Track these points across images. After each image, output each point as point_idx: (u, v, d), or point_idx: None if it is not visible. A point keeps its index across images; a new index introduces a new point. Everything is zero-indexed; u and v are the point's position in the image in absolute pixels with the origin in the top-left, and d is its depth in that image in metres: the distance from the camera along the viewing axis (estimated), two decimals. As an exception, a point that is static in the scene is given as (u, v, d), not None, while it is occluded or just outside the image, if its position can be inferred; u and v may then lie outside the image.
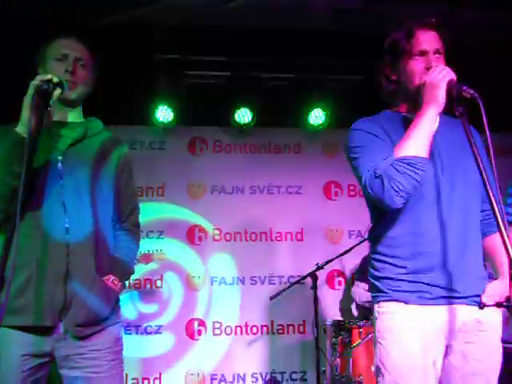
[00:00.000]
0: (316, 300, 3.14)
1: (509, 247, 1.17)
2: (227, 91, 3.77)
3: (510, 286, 1.16)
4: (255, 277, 3.95)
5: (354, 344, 2.87)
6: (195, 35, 3.45)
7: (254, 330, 3.88)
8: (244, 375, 3.81)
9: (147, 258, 3.29)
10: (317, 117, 3.79)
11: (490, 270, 1.60)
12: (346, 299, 3.77)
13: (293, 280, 3.63)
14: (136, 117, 3.84)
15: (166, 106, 3.74)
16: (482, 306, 1.44)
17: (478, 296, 1.48)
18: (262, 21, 3.31)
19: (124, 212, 1.77)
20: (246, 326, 3.88)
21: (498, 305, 1.32)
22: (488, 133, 1.29)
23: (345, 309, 3.83)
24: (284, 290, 3.30)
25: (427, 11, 1.64)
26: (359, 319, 3.41)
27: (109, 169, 1.70)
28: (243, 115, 3.84)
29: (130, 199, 1.80)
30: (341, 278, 3.96)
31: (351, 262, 3.76)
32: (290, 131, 4.12)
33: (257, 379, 3.82)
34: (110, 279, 1.64)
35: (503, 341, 1.50)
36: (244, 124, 3.88)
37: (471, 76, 1.53)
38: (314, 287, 3.19)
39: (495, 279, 1.53)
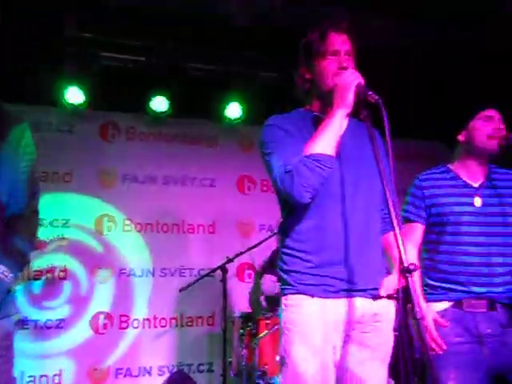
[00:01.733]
0: (225, 292, 3.18)
1: (400, 245, 1.27)
2: (144, 77, 3.65)
3: (399, 279, 1.26)
4: (165, 269, 3.90)
5: (261, 335, 2.95)
6: (113, 15, 3.28)
7: (163, 322, 3.84)
8: (150, 368, 3.75)
9: (45, 245, 3.09)
10: (234, 111, 3.81)
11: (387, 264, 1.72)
12: (255, 291, 3.86)
13: (203, 273, 3.63)
14: (43, 96, 3.58)
15: (76, 88, 3.53)
16: (374, 298, 1.55)
17: (376, 289, 1.58)
18: (185, 8, 3.24)
19: (22, 197, 1.64)
20: (155, 318, 3.83)
21: (389, 297, 1.43)
22: (388, 137, 1.38)
23: (254, 301, 3.92)
24: (194, 283, 3.29)
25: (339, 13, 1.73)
26: (267, 311, 3.50)
27: (7, 149, 1.56)
28: (159, 103, 3.76)
29: (30, 183, 1.66)
30: (251, 271, 4.04)
31: (261, 256, 3.85)
32: (206, 123, 4.11)
33: (163, 372, 3.78)
34: (0, 270, 1.51)
35: (394, 329, 1.63)
36: (160, 112, 3.79)
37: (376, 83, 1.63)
38: (224, 280, 3.22)
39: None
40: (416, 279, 1.98)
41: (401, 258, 1.28)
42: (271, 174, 1.60)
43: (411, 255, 2.01)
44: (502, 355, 1.87)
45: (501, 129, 1.95)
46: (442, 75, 3.46)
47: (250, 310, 3.43)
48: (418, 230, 2.05)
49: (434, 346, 1.85)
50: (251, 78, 3.76)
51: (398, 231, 1.30)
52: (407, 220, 2.07)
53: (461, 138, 2.05)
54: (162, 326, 3.83)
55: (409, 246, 2.01)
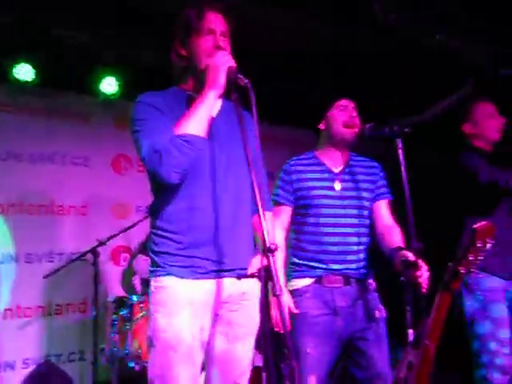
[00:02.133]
0: (96, 277, 3.03)
1: (264, 226, 1.31)
2: (6, 42, 3.24)
3: (262, 259, 1.30)
4: (31, 254, 3.57)
5: (134, 319, 2.87)
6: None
7: (28, 312, 3.53)
8: (14, 362, 3.44)
9: None
10: (110, 85, 3.59)
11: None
12: (127, 274, 3.74)
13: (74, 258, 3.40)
14: None
15: None
16: (239, 277, 1.59)
17: (245, 269, 1.63)
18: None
19: None
20: (18, 308, 3.50)
21: (251, 275, 1.47)
22: (255, 120, 1.40)
23: (126, 284, 3.79)
24: (60, 268, 3.07)
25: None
26: (143, 294, 3.42)
27: None
28: (24, 72, 3.38)
29: None
30: (127, 254, 3.89)
31: (138, 238, 3.73)
32: (79, 97, 3.80)
33: (28, 365, 3.49)
34: None
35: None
36: (25, 82, 3.41)
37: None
38: (95, 264, 3.05)
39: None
40: (280, 258, 2.09)
41: (264, 239, 1.31)
42: (140, 152, 1.54)
43: (279, 236, 2.11)
44: (353, 325, 2.06)
45: (354, 117, 2.12)
46: (314, 67, 3.63)
47: (125, 294, 3.32)
48: (286, 212, 2.17)
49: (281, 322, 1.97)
50: (129, 54, 3.56)
51: (261, 213, 1.33)
52: (276, 203, 2.16)
53: (321, 126, 2.20)
54: (28, 316, 3.53)
55: (277, 227, 2.11)
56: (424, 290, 1.75)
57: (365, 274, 2.11)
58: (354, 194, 2.14)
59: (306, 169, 2.18)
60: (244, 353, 1.65)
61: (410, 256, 1.82)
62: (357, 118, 2.13)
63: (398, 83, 3.71)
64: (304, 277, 2.10)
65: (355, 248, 2.10)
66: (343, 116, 2.12)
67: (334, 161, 2.18)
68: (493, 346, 2.23)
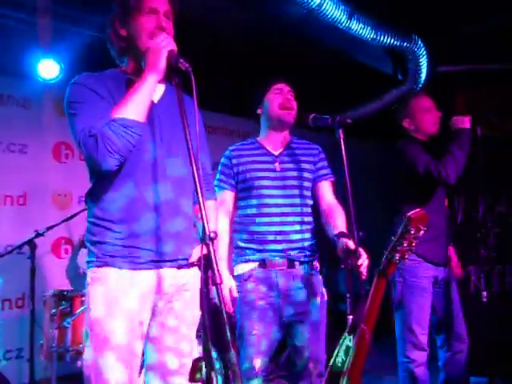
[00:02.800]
0: (33, 270, 2.88)
1: (203, 215, 1.29)
2: None
3: (201, 248, 1.28)
4: (-38, 247, 3.36)
5: (75, 313, 2.77)
6: None
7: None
8: None
9: None
10: (49, 69, 3.40)
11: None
12: (73, 267, 3.60)
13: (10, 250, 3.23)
14: None
15: None
16: (179, 267, 1.56)
17: (186, 259, 1.60)
18: None
19: None
20: None
21: (191, 264, 1.45)
22: (195, 105, 1.37)
23: (72, 278, 3.65)
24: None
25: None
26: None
27: None
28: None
29: None
30: (68, 246, 3.74)
31: (80, 229, 3.59)
32: (16, 81, 3.59)
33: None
34: None
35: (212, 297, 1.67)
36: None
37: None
38: (32, 256, 2.91)
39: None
40: (225, 244, 2.10)
41: (204, 228, 1.29)
42: (75, 137, 1.48)
43: (223, 222, 2.11)
44: (294, 307, 2.09)
45: (289, 99, 2.16)
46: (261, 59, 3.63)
47: (64, 288, 3.18)
48: (228, 197, 2.18)
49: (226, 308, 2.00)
50: (71, 35, 3.39)
51: (201, 201, 1.30)
52: (218, 188, 2.16)
53: (259, 111, 2.23)
54: (-41, 314, 3.32)
55: (221, 213, 2.10)
56: (363, 277, 1.81)
57: (309, 256, 2.14)
58: (294, 174, 2.17)
59: (247, 153, 2.20)
60: (185, 343, 1.62)
61: (351, 244, 1.86)
62: (292, 100, 2.17)
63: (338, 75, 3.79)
64: (248, 261, 2.11)
65: (298, 227, 2.12)
66: (279, 98, 2.15)
67: (274, 144, 2.22)
68: (414, 327, 2.36)
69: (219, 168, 2.22)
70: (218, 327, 1.27)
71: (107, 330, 1.47)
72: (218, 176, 2.20)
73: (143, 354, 1.60)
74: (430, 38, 3.40)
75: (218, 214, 2.07)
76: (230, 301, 2.03)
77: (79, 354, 2.72)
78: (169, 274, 1.56)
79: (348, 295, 1.84)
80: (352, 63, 3.66)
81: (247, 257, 2.12)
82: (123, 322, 1.48)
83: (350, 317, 1.81)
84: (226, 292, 2.02)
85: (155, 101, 1.60)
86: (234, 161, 2.18)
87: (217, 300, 1.28)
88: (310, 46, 3.47)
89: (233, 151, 2.21)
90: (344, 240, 1.92)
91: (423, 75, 3.65)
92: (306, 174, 2.18)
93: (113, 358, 1.47)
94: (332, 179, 2.25)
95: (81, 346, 2.74)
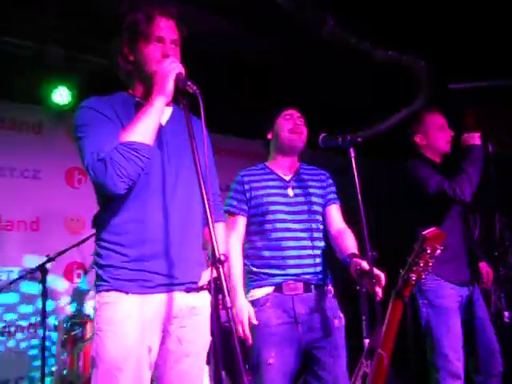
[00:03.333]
0: (45, 295, 2.87)
1: (213, 238, 1.27)
2: None
3: (211, 271, 1.26)
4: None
5: (86, 338, 2.74)
6: None
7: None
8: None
9: None
10: (61, 95, 3.47)
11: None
12: (83, 291, 3.58)
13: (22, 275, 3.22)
14: None
15: None
16: (188, 290, 1.53)
17: (195, 283, 1.57)
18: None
19: None
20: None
21: (200, 288, 1.42)
22: (204, 127, 1.37)
23: (82, 302, 3.63)
24: (7, 286, 2.90)
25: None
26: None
27: None
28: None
29: None
30: (81, 271, 3.74)
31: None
32: (30, 108, 3.66)
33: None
34: None
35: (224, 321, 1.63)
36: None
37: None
38: (43, 281, 2.90)
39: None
40: (240, 269, 2.05)
41: (213, 251, 1.27)
42: (83, 161, 1.46)
43: (236, 247, 2.09)
44: (312, 333, 2.03)
45: (299, 124, 2.17)
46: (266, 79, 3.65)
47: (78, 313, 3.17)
48: (240, 222, 2.15)
49: (241, 334, 1.94)
50: (82, 62, 3.46)
51: (211, 224, 1.28)
52: (230, 213, 2.14)
53: (269, 136, 2.23)
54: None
55: (233, 239, 2.09)
56: (378, 298, 1.75)
57: (323, 280, 2.09)
58: (304, 199, 2.16)
59: (259, 178, 2.19)
60: (195, 370, 1.58)
61: (365, 264, 1.81)
62: (302, 125, 2.19)
63: (348, 96, 3.79)
64: (263, 286, 2.06)
65: (310, 252, 2.09)
66: (289, 124, 2.17)
67: (284, 169, 2.22)
68: (447, 351, 2.26)
69: (231, 193, 2.19)
70: (229, 352, 1.23)
71: (115, 358, 1.44)
72: (229, 201, 2.18)
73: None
74: (440, 55, 3.39)
75: (232, 239, 2.08)
76: (247, 327, 1.96)
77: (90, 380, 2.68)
78: (178, 297, 1.53)
79: (363, 317, 1.78)
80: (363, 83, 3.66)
81: (262, 282, 2.07)
82: (132, 350, 1.45)
83: (367, 340, 1.76)
84: (244, 318, 1.96)
85: (163, 123, 1.61)
86: (247, 186, 2.16)
87: (228, 324, 1.24)
88: (317, 69, 3.49)
89: (244, 176, 2.19)
90: (357, 261, 1.88)
91: (433, 93, 3.64)
92: (316, 199, 2.18)
93: (121, 386, 1.43)
94: (339, 204, 2.25)
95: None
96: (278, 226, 2.09)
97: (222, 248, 1.68)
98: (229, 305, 1.23)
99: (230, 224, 2.11)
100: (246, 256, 2.15)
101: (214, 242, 1.27)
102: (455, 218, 2.39)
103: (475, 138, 2.38)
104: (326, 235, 2.18)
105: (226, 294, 1.24)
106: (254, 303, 2.04)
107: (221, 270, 1.25)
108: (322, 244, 2.14)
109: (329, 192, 2.24)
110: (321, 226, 2.18)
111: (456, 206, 2.40)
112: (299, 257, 2.06)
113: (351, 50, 2.85)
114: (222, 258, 1.26)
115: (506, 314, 2.45)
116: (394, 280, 1.78)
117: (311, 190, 2.19)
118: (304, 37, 3.12)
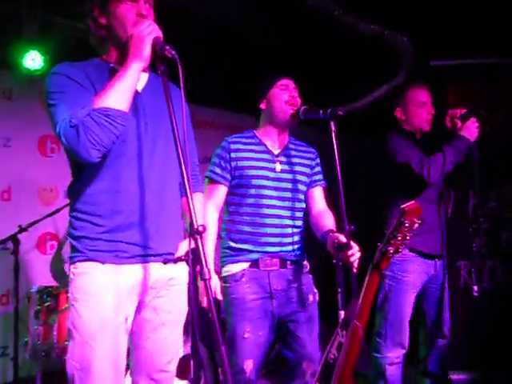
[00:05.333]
0: (17, 266, 2.81)
1: (191, 209, 1.24)
2: None
3: (189, 242, 1.23)
4: None
5: (60, 309, 2.71)
6: None
7: None
8: None
9: None
10: (33, 60, 3.31)
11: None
12: (55, 261, 3.52)
13: (-6, 245, 3.14)
14: None
15: None
16: (165, 261, 1.51)
17: (172, 253, 1.55)
18: None
19: None
20: None
21: (178, 259, 1.40)
22: (182, 92, 1.32)
23: (54, 272, 3.57)
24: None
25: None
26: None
27: None
28: None
29: None
30: (54, 242, 3.66)
31: (66, 225, 3.51)
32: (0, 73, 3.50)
33: None
34: None
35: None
36: None
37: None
38: (15, 252, 2.84)
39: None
40: (213, 238, 2.03)
41: (192, 222, 1.24)
42: (55, 128, 1.41)
43: (212, 216, 2.05)
44: (286, 307, 2.05)
45: (295, 97, 2.09)
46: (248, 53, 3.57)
47: (51, 284, 3.12)
48: (221, 191, 2.08)
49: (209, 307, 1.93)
50: (55, 25, 3.30)
51: (189, 194, 1.26)
52: (212, 180, 2.08)
53: (262, 106, 2.14)
54: None
55: (211, 207, 2.04)
56: (355, 270, 1.77)
57: (299, 256, 2.10)
58: (290, 176, 2.11)
59: (246, 148, 2.10)
60: (171, 340, 1.58)
61: (342, 238, 1.82)
62: (298, 97, 2.09)
63: (332, 71, 3.75)
64: (239, 261, 2.04)
65: (290, 230, 2.08)
66: (285, 95, 2.07)
67: (274, 142, 2.14)
68: (397, 323, 2.33)
69: (214, 159, 2.10)
70: (206, 324, 1.22)
71: (91, 328, 1.42)
72: (212, 167, 2.09)
73: (128, 354, 1.56)
74: (422, 32, 3.37)
75: (208, 207, 2.03)
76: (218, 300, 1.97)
77: (65, 351, 2.66)
78: (155, 268, 1.52)
79: (339, 290, 1.80)
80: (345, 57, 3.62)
81: (239, 257, 2.04)
82: (108, 320, 1.44)
83: (342, 312, 1.78)
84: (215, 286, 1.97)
85: (139, 90, 1.55)
86: (233, 154, 2.06)
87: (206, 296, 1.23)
88: (300, 40, 3.43)
89: (231, 143, 2.08)
90: (335, 235, 1.89)
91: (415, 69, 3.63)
92: (302, 178, 2.13)
93: (98, 356, 1.42)
94: (324, 185, 2.22)
95: (66, 343, 2.68)
96: (262, 201, 2.04)
97: (200, 219, 1.67)
98: (207, 276, 1.22)
99: (209, 191, 2.05)
100: (223, 229, 2.11)
101: (193, 213, 1.24)
102: (431, 191, 2.40)
103: (473, 133, 2.32)
104: (306, 214, 2.16)
105: (204, 265, 1.23)
106: (229, 278, 2.02)
107: (199, 240, 1.23)
108: (301, 223, 2.13)
109: (316, 172, 2.20)
110: (303, 205, 2.15)
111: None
112: (279, 235, 2.04)
113: (335, 21, 2.80)
114: (201, 228, 1.24)
115: (475, 288, 2.53)
116: (372, 255, 1.79)
117: (298, 168, 2.13)
118: (289, 11, 3.05)
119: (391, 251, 1.64)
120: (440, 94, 2.69)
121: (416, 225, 1.58)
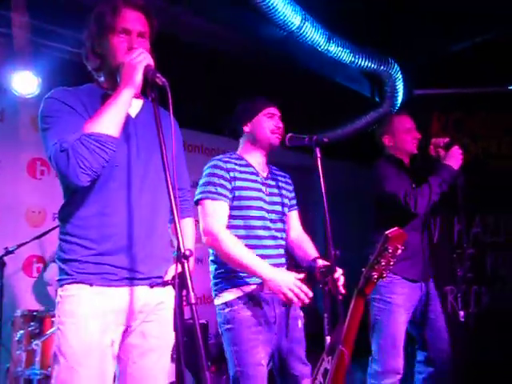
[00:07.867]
0: (1, 289, 2.77)
1: (179, 233, 1.25)
2: None
3: (176, 266, 1.24)
4: None
5: (46, 334, 2.66)
6: None
7: None
8: None
9: None
10: (25, 82, 3.34)
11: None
12: (38, 284, 3.47)
13: (-22, 268, 3.09)
14: None
15: None
16: (151, 285, 1.52)
17: (161, 277, 1.55)
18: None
19: None
20: None
21: (165, 283, 1.41)
22: (172, 120, 1.35)
23: (41, 297, 3.52)
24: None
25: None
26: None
27: None
28: None
29: None
30: (40, 265, 3.62)
31: (54, 247, 3.48)
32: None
33: None
34: None
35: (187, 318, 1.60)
36: None
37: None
38: (0, 275, 2.80)
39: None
40: (250, 252, 1.92)
41: (178, 245, 1.25)
42: (47, 152, 1.44)
43: (226, 232, 1.95)
44: (282, 332, 2.00)
45: (280, 127, 2.13)
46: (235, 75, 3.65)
47: (36, 308, 3.07)
48: (225, 209, 1.99)
49: (302, 299, 1.82)
50: (47, 48, 3.34)
51: (176, 218, 1.27)
52: (214, 199, 1.98)
53: (245, 128, 2.14)
54: None
55: (221, 227, 1.95)
56: (340, 296, 1.78)
57: None
58: (279, 199, 2.15)
59: (239, 169, 2.07)
60: (159, 367, 1.57)
61: (326, 263, 1.85)
62: (282, 128, 2.13)
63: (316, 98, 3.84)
64: (243, 284, 1.97)
65: (282, 252, 2.10)
66: (270, 123, 2.10)
67: (260, 164, 2.16)
68: (390, 348, 2.33)
69: (211, 179, 2.00)
70: (192, 349, 1.22)
71: (77, 351, 1.42)
72: (211, 187, 1.99)
73: (115, 379, 1.54)
74: (406, 61, 3.49)
75: (220, 227, 1.94)
76: (300, 286, 1.82)
77: (48, 378, 2.61)
78: (143, 292, 1.52)
79: (326, 315, 1.81)
80: (331, 85, 3.71)
81: (242, 280, 1.97)
82: (94, 342, 1.43)
83: (328, 338, 1.78)
84: (289, 281, 1.82)
85: (133, 115, 1.58)
86: (232, 174, 2.01)
87: (192, 321, 1.23)
88: (289, 68, 3.51)
89: (226, 163, 2.03)
90: (320, 262, 1.91)
91: (399, 98, 3.74)
92: (285, 201, 2.18)
93: (83, 382, 1.41)
94: (298, 209, 2.27)
95: (50, 369, 2.63)
96: (259, 223, 2.03)
97: (190, 243, 1.69)
98: (193, 301, 1.23)
99: (213, 211, 1.95)
100: (216, 255, 2.00)
101: (180, 237, 1.26)
102: (417, 219, 2.45)
103: (458, 160, 2.37)
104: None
105: (191, 289, 1.24)
106: (232, 303, 1.94)
107: (186, 265, 1.25)
108: (284, 244, 2.16)
109: (293, 197, 2.26)
110: (286, 228, 2.18)
111: None
112: (276, 256, 2.05)
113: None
114: (187, 253, 1.25)
115: (461, 313, 2.55)
116: (356, 279, 1.81)
117: (283, 192, 2.18)
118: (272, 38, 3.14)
119: (375, 276, 1.67)
120: (424, 123, 2.78)
121: (399, 251, 1.61)
